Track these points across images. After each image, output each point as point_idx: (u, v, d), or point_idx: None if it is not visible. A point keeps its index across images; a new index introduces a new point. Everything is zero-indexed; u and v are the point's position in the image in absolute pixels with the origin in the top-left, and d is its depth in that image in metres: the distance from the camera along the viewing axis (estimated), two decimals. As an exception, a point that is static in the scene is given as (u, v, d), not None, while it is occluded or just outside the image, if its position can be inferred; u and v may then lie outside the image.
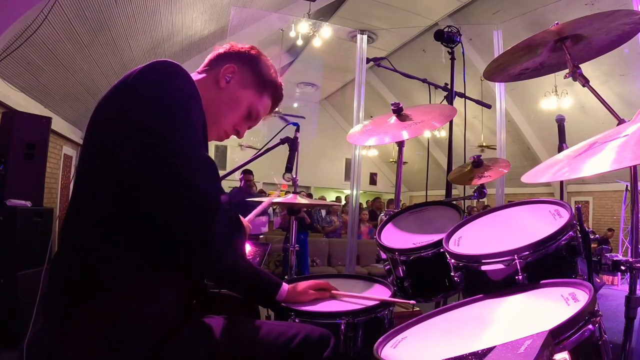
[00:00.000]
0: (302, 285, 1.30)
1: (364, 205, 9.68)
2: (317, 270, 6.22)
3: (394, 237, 1.50)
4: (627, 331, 1.07)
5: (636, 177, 1.11)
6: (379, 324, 1.21)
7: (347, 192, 11.86)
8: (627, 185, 6.57)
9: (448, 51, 2.67)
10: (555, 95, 7.18)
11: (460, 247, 1.16)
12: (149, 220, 0.77)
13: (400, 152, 1.84)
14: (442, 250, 1.20)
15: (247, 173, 5.06)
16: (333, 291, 1.33)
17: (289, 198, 1.76)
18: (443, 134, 8.57)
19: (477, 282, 1.07)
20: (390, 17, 7.56)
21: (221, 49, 1.06)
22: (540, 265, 0.98)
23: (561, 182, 2.01)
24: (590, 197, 9.32)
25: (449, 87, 2.68)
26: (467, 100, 2.79)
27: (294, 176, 1.81)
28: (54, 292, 0.81)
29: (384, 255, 1.45)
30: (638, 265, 1.03)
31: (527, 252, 0.98)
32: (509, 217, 1.26)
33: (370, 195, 12.86)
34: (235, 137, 1.10)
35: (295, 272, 1.94)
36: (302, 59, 9.45)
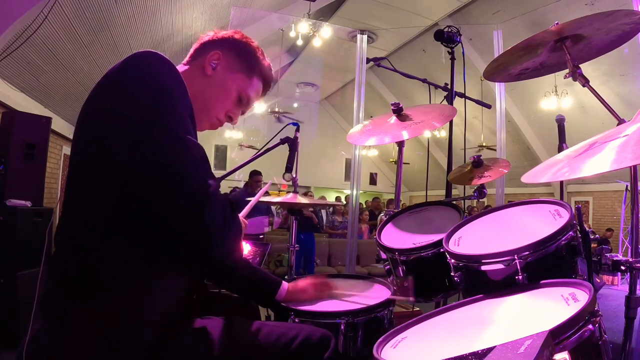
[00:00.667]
0: (302, 283, 1.30)
1: (364, 206, 9.68)
2: (317, 270, 6.22)
3: (394, 237, 1.50)
4: (627, 331, 1.07)
5: (636, 177, 1.11)
6: (379, 324, 1.21)
7: (347, 192, 11.86)
8: (627, 185, 6.57)
9: (448, 51, 2.67)
10: (555, 95, 7.18)
11: (460, 247, 1.15)
12: (146, 215, 0.77)
13: (400, 152, 1.84)
14: (442, 250, 1.19)
15: (257, 174, 5.07)
16: (333, 291, 1.33)
17: (289, 198, 1.76)
18: (443, 134, 8.57)
19: (477, 282, 1.07)
20: (390, 17, 7.56)
21: (205, 37, 1.05)
22: (540, 265, 0.98)
23: (561, 182, 2.01)
24: (590, 197, 9.33)
25: (449, 87, 2.68)
26: (467, 100, 2.78)
27: (294, 176, 1.81)
28: (53, 292, 0.81)
29: (384, 255, 1.45)
30: (638, 265, 1.03)
31: (527, 252, 0.98)
32: (509, 217, 1.26)
33: (370, 195, 12.86)
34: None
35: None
36: (302, 59, 9.46)
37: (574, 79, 1.26)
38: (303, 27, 5.87)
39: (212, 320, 1.01)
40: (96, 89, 0.83)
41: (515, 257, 0.97)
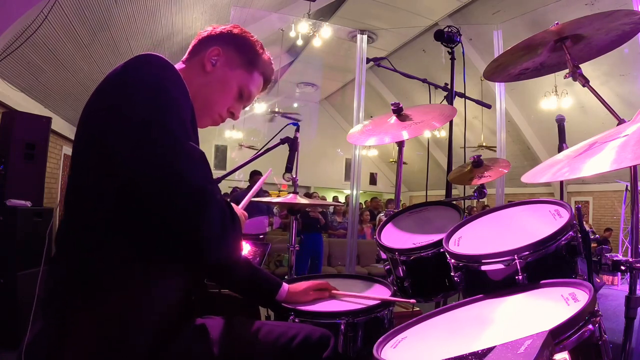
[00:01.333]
0: (302, 285, 1.30)
1: (363, 206, 9.67)
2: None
3: (394, 237, 1.50)
4: (627, 331, 1.07)
5: (636, 177, 1.11)
6: (379, 324, 1.21)
7: (347, 192, 11.86)
8: (627, 185, 6.57)
9: (448, 51, 2.67)
10: (555, 95, 7.18)
11: (460, 247, 1.15)
12: (145, 216, 0.76)
13: (400, 152, 1.84)
14: (442, 250, 1.20)
15: (257, 174, 5.10)
16: (333, 291, 1.33)
17: (289, 198, 1.76)
18: (443, 134, 8.56)
19: (477, 282, 1.07)
20: (390, 17, 7.56)
21: (204, 32, 1.04)
22: (540, 265, 0.98)
23: (561, 182, 2.01)
24: (590, 197, 9.32)
25: (449, 87, 2.68)
26: (467, 100, 2.78)
27: (294, 176, 1.81)
28: (53, 293, 0.81)
29: (384, 255, 1.45)
30: (638, 265, 1.03)
31: (527, 252, 0.98)
32: (509, 217, 1.26)
33: (370, 195, 12.87)
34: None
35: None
36: (302, 59, 9.46)
37: (574, 79, 1.26)
38: (303, 27, 5.87)
39: (212, 320, 1.01)
40: (97, 90, 0.83)
41: (515, 257, 0.97)
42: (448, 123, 2.47)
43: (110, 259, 0.79)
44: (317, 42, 6.21)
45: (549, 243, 0.98)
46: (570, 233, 1.00)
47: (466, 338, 0.84)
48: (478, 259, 1.05)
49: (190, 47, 1.03)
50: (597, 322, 0.75)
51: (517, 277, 0.97)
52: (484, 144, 8.30)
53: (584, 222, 1.08)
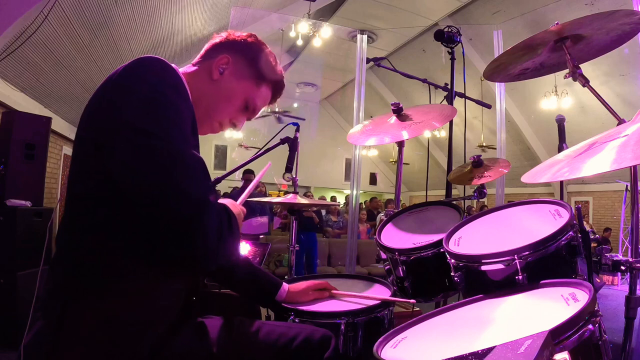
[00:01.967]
0: (302, 285, 1.30)
1: (363, 206, 9.67)
2: (317, 270, 6.22)
3: (394, 237, 1.50)
4: (627, 331, 1.07)
5: (636, 177, 1.11)
6: (379, 324, 1.21)
7: (347, 192, 11.86)
8: (627, 185, 6.57)
9: (448, 51, 2.67)
10: (555, 95, 7.18)
11: (460, 247, 1.16)
12: (143, 221, 0.76)
13: (400, 152, 1.84)
14: (442, 250, 1.20)
15: (249, 173, 5.08)
16: (333, 291, 1.33)
17: (289, 198, 1.76)
18: (443, 134, 8.57)
19: (477, 282, 1.07)
20: (390, 17, 7.56)
21: (218, 37, 1.02)
22: (540, 266, 0.98)
23: (561, 182, 2.01)
24: (590, 197, 9.32)
25: (449, 87, 2.68)
26: (467, 100, 2.79)
27: (294, 176, 1.81)
28: (53, 292, 0.81)
29: (384, 255, 1.45)
30: (638, 265, 1.03)
31: (527, 252, 0.98)
32: (509, 217, 1.26)
33: (370, 195, 12.87)
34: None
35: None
36: (302, 59, 9.45)
37: (574, 79, 1.26)
38: (303, 27, 5.87)
39: (212, 320, 1.01)
40: (97, 91, 0.83)
41: (515, 257, 0.97)
42: (448, 123, 2.47)
43: (110, 259, 0.79)
44: (317, 42, 6.21)
45: (549, 243, 0.98)
46: (570, 233, 1.01)
47: (466, 338, 0.84)
48: (478, 259, 1.05)
49: (203, 50, 1.02)
50: (597, 322, 0.75)
51: (517, 277, 0.97)
52: (484, 144, 8.31)
53: (584, 222, 1.08)
